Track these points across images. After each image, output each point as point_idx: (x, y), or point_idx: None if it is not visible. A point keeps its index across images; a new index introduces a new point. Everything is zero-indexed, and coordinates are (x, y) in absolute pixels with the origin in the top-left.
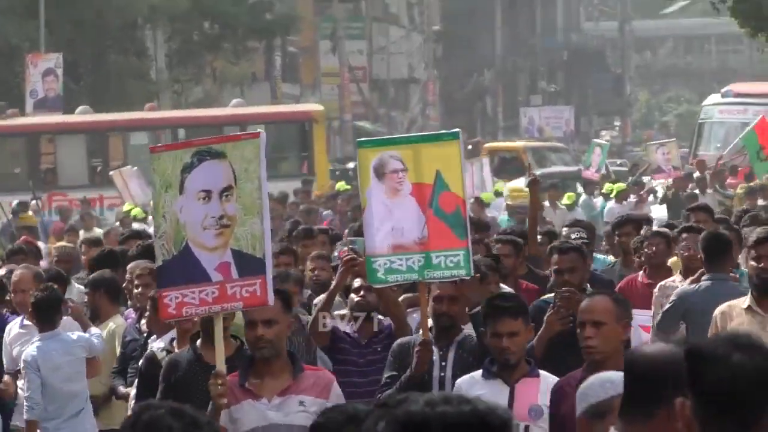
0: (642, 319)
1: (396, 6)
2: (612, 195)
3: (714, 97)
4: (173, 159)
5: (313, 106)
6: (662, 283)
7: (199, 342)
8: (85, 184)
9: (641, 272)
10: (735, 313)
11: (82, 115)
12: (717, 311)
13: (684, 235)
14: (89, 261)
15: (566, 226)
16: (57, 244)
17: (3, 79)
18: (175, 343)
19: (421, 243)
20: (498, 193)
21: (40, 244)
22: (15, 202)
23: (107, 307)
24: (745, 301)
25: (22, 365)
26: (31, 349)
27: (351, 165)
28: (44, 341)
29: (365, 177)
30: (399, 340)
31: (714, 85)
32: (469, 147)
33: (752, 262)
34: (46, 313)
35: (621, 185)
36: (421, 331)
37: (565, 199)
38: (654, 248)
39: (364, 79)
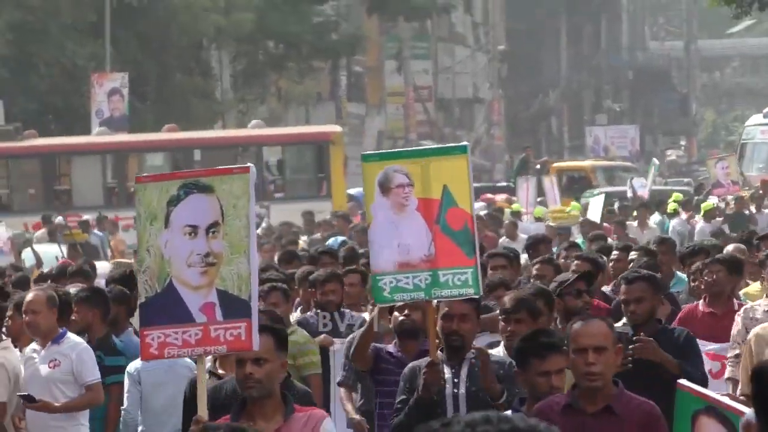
0: (708, 347)
1: (461, 26)
2: (670, 210)
3: (756, 118)
4: (159, 190)
5: (331, 128)
6: (747, 305)
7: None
8: (100, 204)
9: (701, 301)
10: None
11: (99, 136)
12: (752, 334)
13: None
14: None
15: (632, 249)
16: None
17: (68, 99)
18: (217, 364)
19: (428, 260)
20: (538, 219)
21: (101, 263)
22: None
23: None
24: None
25: (126, 378)
26: (136, 362)
27: None
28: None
29: (370, 192)
30: (410, 364)
31: None
32: (537, 166)
33: None
34: None
35: (709, 204)
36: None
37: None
38: (714, 276)
39: (429, 98)
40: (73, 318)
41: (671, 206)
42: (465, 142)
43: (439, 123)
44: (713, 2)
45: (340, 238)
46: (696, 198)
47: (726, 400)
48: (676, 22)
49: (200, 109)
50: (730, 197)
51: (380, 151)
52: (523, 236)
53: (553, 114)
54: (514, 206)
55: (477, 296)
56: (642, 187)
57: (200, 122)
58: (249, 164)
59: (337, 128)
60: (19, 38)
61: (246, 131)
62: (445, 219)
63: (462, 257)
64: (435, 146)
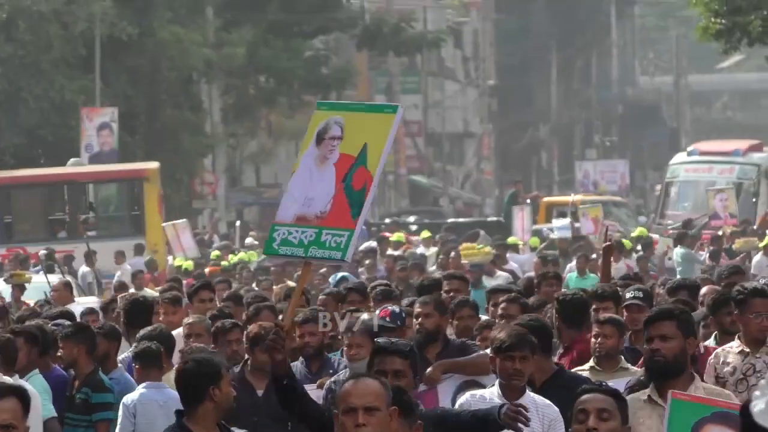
0: None
1: (451, 60)
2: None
3: (681, 156)
4: None
5: (147, 165)
6: (719, 349)
7: None
8: None
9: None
10: (636, 406)
11: None
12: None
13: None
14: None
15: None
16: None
17: (58, 133)
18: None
19: (320, 218)
20: (533, 249)
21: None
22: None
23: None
24: (645, 391)
25: (121, 409)
26: (133, 395)
27: (411, 219)
28: (148, 390)
29: (308, 139)
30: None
31: None
32: (528, 201)
33: (645, 345)
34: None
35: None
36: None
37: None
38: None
39: (419, 133)
40: (59, 354)
41: (626, 243)
42: (398, 104)
43: (429, 157)
44: (702, 37)
45: (340, 274)
46: (689, 232)
47: (736, 400)
48: (666, 57)
49: (190, 144)
50: (727, 229)
51: (334, 101)
52: (514, 265)
53: (543, 148)
54: (510, 239)
55: (344, 261)
56: (564, 228)
57: (190, 156)
58: None
59: (153, 165)
60: (10, 72)
61: (64, 169)
62: (351, 177)
63: (347, 218)
64: (373, 103)
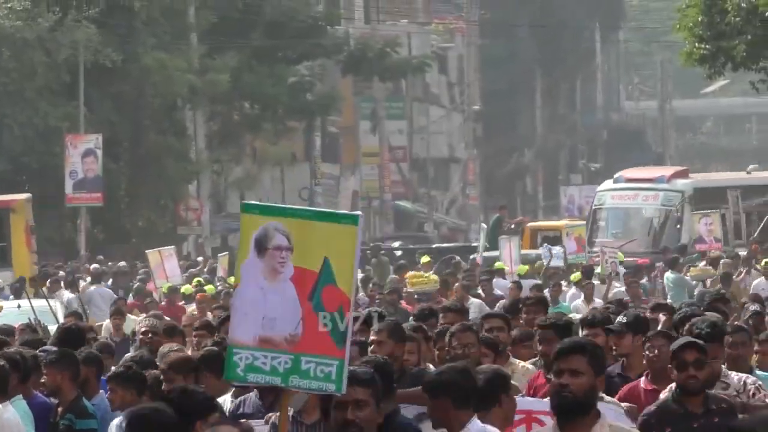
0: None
1: (436, 86)
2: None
3: (607, 183)
4: None
5: (16, 196)
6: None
7: None
8: None
9: (643, 378)
10: None
11: None
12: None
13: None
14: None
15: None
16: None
17: (42, 160)
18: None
19: (292, 342)
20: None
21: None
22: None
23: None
24: (548, 429)
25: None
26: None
27: (395, 244)
28: None
29: (244, 248)
30: None
31: (755, 164)
32: (512, 226)
33: (552, 378)
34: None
35: None
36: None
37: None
38: (656, 350)
39: (404, 158)
40: (43, 381)
41: (574, 276)
42: (358, 212)
43: (414, 183)
44: (687, 62)
45: None
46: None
47: None
48: (650, 82)
49: (175, 170)
50: (712, 254)
51: (262, 203)
52: (498, 293)
53: (528, 173)
54: (497, 264)
55: (338, 394)
56: (558, 257)
57: (174, 183)
58: None
59: (22, 197)
60: None
61: None
62: (319, 297)
63: (330, 346)
64: (325, 210)
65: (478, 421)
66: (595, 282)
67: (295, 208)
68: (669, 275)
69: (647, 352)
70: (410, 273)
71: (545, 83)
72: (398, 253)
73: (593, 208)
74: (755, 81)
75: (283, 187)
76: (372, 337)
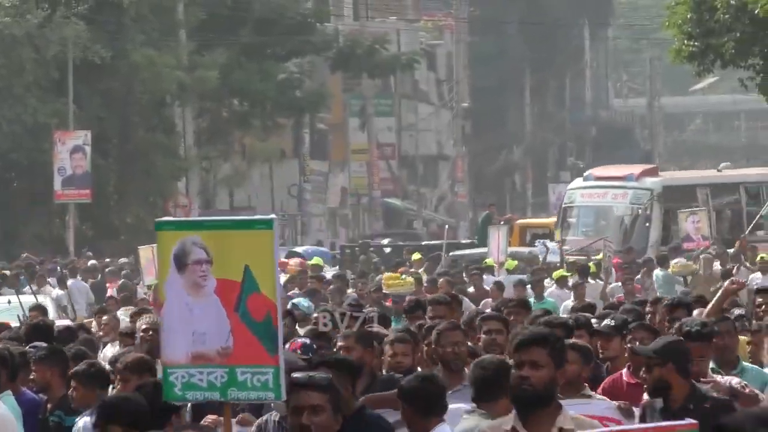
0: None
1: (425, 83)
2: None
3: (578, 181)
4: None
5: None
6: None
7: None
8: None
9: (625, 370)
10: None
11: None
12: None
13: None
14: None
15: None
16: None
17: (31, 156)
18: None
19: (224, 354)
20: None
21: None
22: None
23: None
24: (509, 420)
25: None
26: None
27: (384, 241)
28: None
29: (165, 266)
30: None
31: (744, 161)
32: (502, 223)
33: (513, 370)
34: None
35: None
36: None
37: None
38: (637, 343)
39: (393, 155)
40: (32, 377)
41: (556, 273)
42: (272, 216)
43: (402, 180)
44: (676, 60)
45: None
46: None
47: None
48: (639, 80)
49: (163, 167)
50: (699, 252)
51: (175, 219)
52: (487, 288)
53: (517, 170)
54: (488, 261)
55: (279, 401)
56: (553, 252)
57: (163, 179)
58: None
59: None
60: None
61: None
62: (245, 306)
63: (263, 354)
64: (239, 218)
65: (447, 427)
66: (591, 282)
67: (209, 219)
68: (658, 272)
69: (629, 345)
70: (386, 275)
71: (534, 80)
72: (387, 250)
73: (563, 206)
74: (744, 78)
75: (272, 184)
76: (340, 343)
